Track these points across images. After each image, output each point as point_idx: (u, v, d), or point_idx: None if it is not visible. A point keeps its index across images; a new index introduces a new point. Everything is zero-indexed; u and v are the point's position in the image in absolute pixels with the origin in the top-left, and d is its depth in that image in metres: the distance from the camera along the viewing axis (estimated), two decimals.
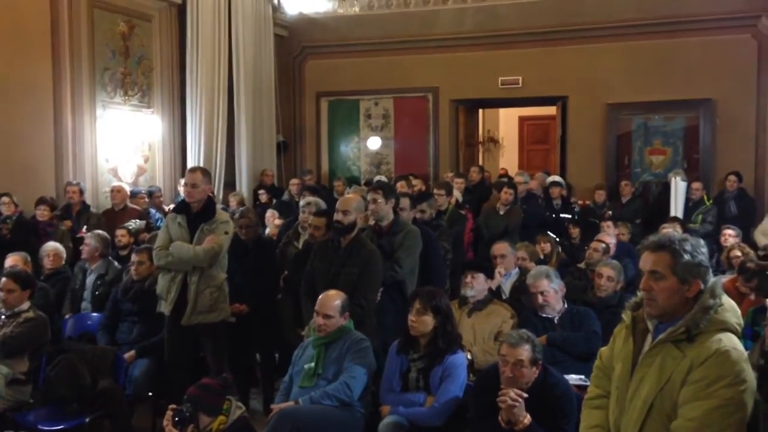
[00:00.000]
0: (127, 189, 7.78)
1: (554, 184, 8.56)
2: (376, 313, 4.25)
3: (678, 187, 8.13)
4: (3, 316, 4.48)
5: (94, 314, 5.32)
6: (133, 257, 5.21)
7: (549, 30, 9.94)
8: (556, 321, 4.20)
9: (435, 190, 6.89)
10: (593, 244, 5.69)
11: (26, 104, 7.29)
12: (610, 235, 6.04)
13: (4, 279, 4.55)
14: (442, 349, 3.68)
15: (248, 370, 5.29)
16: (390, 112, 11.25)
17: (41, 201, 6.77)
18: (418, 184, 8.72)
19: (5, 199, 6.55)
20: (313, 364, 3.78)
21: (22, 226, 6.39)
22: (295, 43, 11.31)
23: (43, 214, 6.65)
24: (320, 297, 3.86)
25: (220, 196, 9.08)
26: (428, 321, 3.71)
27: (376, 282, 4.29)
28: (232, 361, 4.80)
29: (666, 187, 8.60)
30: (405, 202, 5.19)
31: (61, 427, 4.06)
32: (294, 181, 9.24)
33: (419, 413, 3.57)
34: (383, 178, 9.49)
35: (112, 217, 7.16)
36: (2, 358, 4.31)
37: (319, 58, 11.32)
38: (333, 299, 3.83)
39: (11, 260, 5.15)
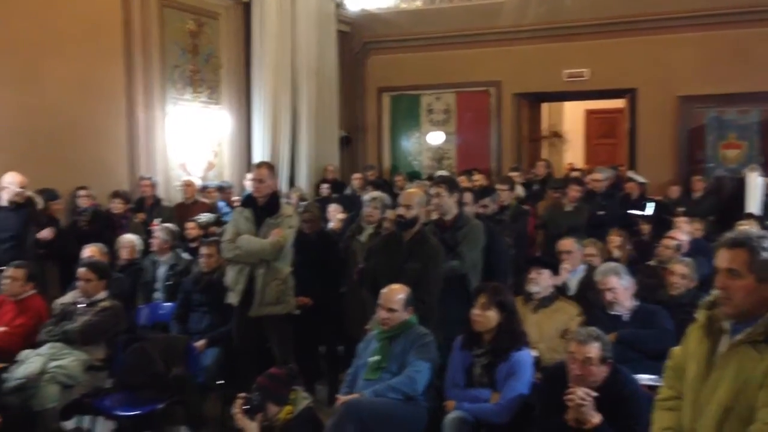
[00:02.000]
0: (198, 183, 8.00)
1: (631, 179, 8.33)
2: (438, 308, 4.25)
3: (755, 182, 7.82)
4: (82, 305, 4.68)
5: (166, 304, 5.50)
6: (202, 250, 5.35)
7: (617, 21, 9.68)
8: (626, 319, 4.11)
9: (498, 185, 6.83)
10: (665, 241, 5.53)
11: (101, 102, 7.56)
12: (683, 231, 5.86)
13: (82, 269, 4.76)
14: (506, 346, 3.65)
15: (313, 362, 5.38)
16: (452, 107, 11.20)
17: (116, 194, 7.05)
18: (479, 179, 8.67)
19: (83, 192, 6.84)
20: (377, 357, 3.82)
21: (99, 219, 6.65)
22: (357, 39, 11.38)
23: (117, 207, 6.92)
24: (384, 291, 3.89)
25: (285, 191, 9.24)
26: (492, 316, 3.69)
27: (439, 277, 4.29)
28: (297, 353, 4.88)
29: (741, 183, 8.28)
30: (467, 197, 5.17)
31: (137, 412, 4.20)
32: (356, 175, 9.31)
33: (485, 409, 3.55)
34: (445, 173, 9.46)
35: (183, 211, 7.38)
36: (81, 344, 4.50)
37: (381, 54, 11.35)
38: (397, 293, 3.86)
39: (89, 251, 5.38)
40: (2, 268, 5.08)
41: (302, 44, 9.75)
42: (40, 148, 6.64)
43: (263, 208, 4.80)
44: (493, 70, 10.57)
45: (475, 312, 3.70)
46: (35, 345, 4.50)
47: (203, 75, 8.94)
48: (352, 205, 7.70)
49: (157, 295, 5.69)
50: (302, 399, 3.60)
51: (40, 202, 6.21)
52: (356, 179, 9.13)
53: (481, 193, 5.74)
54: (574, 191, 7.05)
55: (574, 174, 8.94)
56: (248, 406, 3.42)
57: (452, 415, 3.54)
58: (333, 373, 5.33)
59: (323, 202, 7.89)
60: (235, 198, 8.15)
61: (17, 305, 4.68)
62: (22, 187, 5.77)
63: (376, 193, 5.66)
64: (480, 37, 10.55)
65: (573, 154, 13.95)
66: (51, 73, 6.86)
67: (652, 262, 5.54)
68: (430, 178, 9.08)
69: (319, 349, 5.53)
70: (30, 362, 4.30)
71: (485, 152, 10.91)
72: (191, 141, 8.73)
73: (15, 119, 6.45)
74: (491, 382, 3.64)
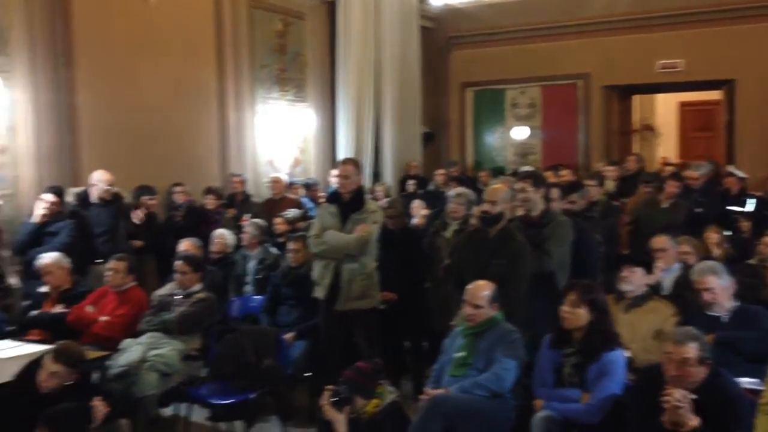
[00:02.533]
0: (285, 179, 8.20)
1: (731, 174, 7.93)
2: (526, 306, 4.19)
3: None
4: (179, 296, 4.89)
5: (256, 297, 5.67)
6: (290, 245, 5.46)
7: (715, 9, 9.25)
8: (725, 320, 3.91)
9: (586, 181, 6.65)
10: (766, 239, 5.25)
11: (195, 102, 7.86)
12: None
13: (179, 262, 4.98)
14: (597, 346, 3.55)
15: (398, 357, 5.41)
16: (537, 101, 11.00)
17: (209, 190, 7.33)
18: (566, 175, 8.47)
19: (179, 188, 7.13)
20: (463, 354, 3.80)
21: (193, 214, 6.93)
22: (440, 35, 11.34)
23: (210, 202, 7.19)
24: (470, 287, 3.87)
25: (369, 187, 9.33)
26: (582, 314, 3.59)
27: (525, 274, 4.22)
28: (382, 348, 4.93)
29: None
30: (554, 193, 5.06)
31: (230, 401, 4.35)
32: (439, 171, 9.29)
33: (575, 410, 3.47)
34: (530, 169, 9.29)
35: (272, 206, 7.58)
36: (178, 334, 4.70)
37: (465, 48, 11.27)
38: (482, 289, 3.83)
39: (185, 245, 5.61)
40: (100, 261, 5.39)
41: (386, 41, 9.80)
42: (138, 146, 6.96)
43: (348, 203, 4.86)
44: (581, 62, 10.30)
45: (565, 309, 3.62)
46: (135, 334, 4.72)
47: (290, 74, 9.15)
48: (435, 201, 7.69)
49: (248, 288, 5.86)
50: (389, 393, 3.63)
51: (127, 197, 6.51)
52: (439, 175, 9.11)
53: (568, 188, 5.60)
54: (671, 187, 6.73)
55: (669, 169, 8.58)
56: (336, 399, 3.48)
57: (541, 414, 3.48)
58: (418, 369, 5.35)
59: (407, 198, 7.92)
60: (320, 194, 8.29)
61: (119, 296, 4.93)
62: (109, 185, 6.04)
63: (461, 189, 5.63)
64: (567, 29, 10.30)
65: (666, 148, 13.42)
66: (148, 74, 7.18)
67: (752, 261, 5.27)
68: (515, 173, 8.95)
69: (404, 345, 5.55)
70: (131, 351, 4.52)
71: (572, 147, 10.65)
72: (278, 138, 8.95)
73: (115, 119, 6.79)
74: (581, 383, 3.55)
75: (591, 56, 10.22)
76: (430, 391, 3.70)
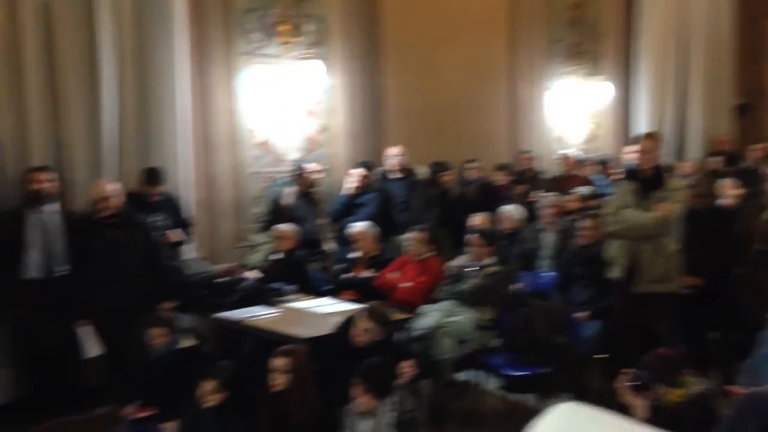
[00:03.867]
0: (575, 156, 8.01)
1: None
2: None
3: None
4: (473, 268, 5.08)
5: (547, 273, 5.66)
6: (582, 223, 5.35)
7: None
8: None
9: None
10: None
11: (485, 81, 8.01)
12: None
13: (473, 235, 5.18)
14: None
15: (702, 348, 5.00)
16: None
17: (501, 167, 7.46)
18: None
19: (474, 164, 7.38)
20: None
21: (485, 190, 7.13)
22: None
23: (501, 178, 7.32)
24: None
25: (672, 163, 8.67)
26: None
27: None
28: (685, 336, 4.59)
29: None
30: None
31: (523, 373, 4.44)
32: (756, 146, 8.26)
33: None
34: None
35: (560, 183, 7.45)
36: (471, 305, 4.90)
37: None
38: None
39: (477, 219, 5.81)
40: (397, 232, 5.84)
41: (692, 7, 8.96)
42: (434, 124, 7.35)
43: (648, 180, 4.60)
44: None
45: None
46: (433, 301, 5.04)
47: (585, 46, 8.86)
48: (749, 179, 6.87)
49: (539, 263, 5.87)
50: (695, 384, 3.38)
51: (424, 172, 6.90)
52: (755, 150, 8.10)
53: None
54: None
55: None
56: (636, 383, 3.34)
57: None
58: (725, 363, 4.87)
59: (715, 176, 7.20)
60: (613, 171, 7.93)
61: (419, 264, 5.29)
62: (403, 160, 6.50)
63: None
64: None
65: None
66: (445, 58, 7.50)
67: None
68: None
69: (709, 335, 5.11)
70: (428, 316, 4.84)
71: None
72: (569, 114, 8.75)
73: (415, 101, 7.23)
74: None
75: None
76: (738, 389, 3.36)
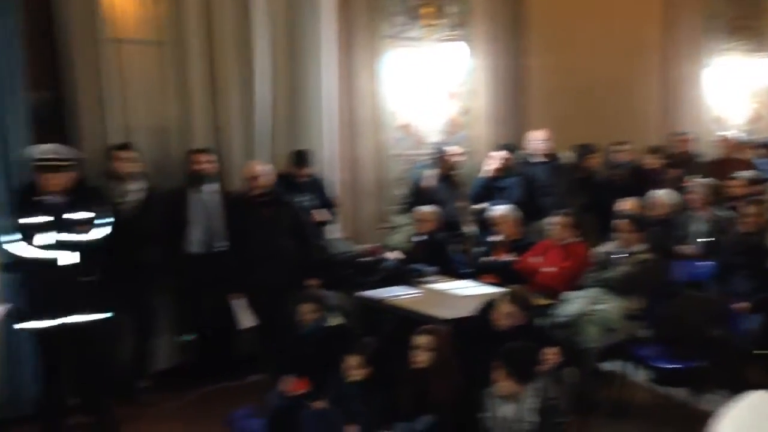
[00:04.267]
0: (735, 138, 7.44)
1: None
2: None
3: None
4: (621, 255, 4.87)
5: (701, 262, 5.31)
6: (745, 209, 5.02)
7: None
8: None
9: None
10: None
11: (635, 60, 7.62)
12: None
13: (622, 221, 4.95)
14: None
15: None
16: None
17: (653, 150, 7.07)
18: None
19: (623, 146, 7.01)
20: None
21: (635, 173, 6.79)
22: None
23: (653, 162, 6.93)
24: None
25: None
26: None
27: None
28: None
29: None
30: None
31: (672, 366, 4.22)
32: None
33: None
34: None
35: (718, 167, 6.97)
36: (619, 294, 4.69)
37: None
38: None
39: (628, 204, 5.56)
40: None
41: None
42: (580, 106, 7.06)
43: None
44: None
45: None
46: (577, 287, 4.88)
47: (747, 22, 8.19)
48: None
49: (692, 250, 5.53)
50: None
51: (568, 156, 6.66)
52: None
53: None
54: None
55: None
56: None
57: None
58: None
59: None
60: None
61: (563, 249, 5.14)
62: (546, 144, 6.32)
63: None
64: None
65: None
66: (592, 36, 7.19)
67: None
68: None
69: None
70: (573, 302, 4.68)
71: None
72: (730, 93, 8.14)
73: (560, 81, 7.00)
74: None
75: None
76: None
